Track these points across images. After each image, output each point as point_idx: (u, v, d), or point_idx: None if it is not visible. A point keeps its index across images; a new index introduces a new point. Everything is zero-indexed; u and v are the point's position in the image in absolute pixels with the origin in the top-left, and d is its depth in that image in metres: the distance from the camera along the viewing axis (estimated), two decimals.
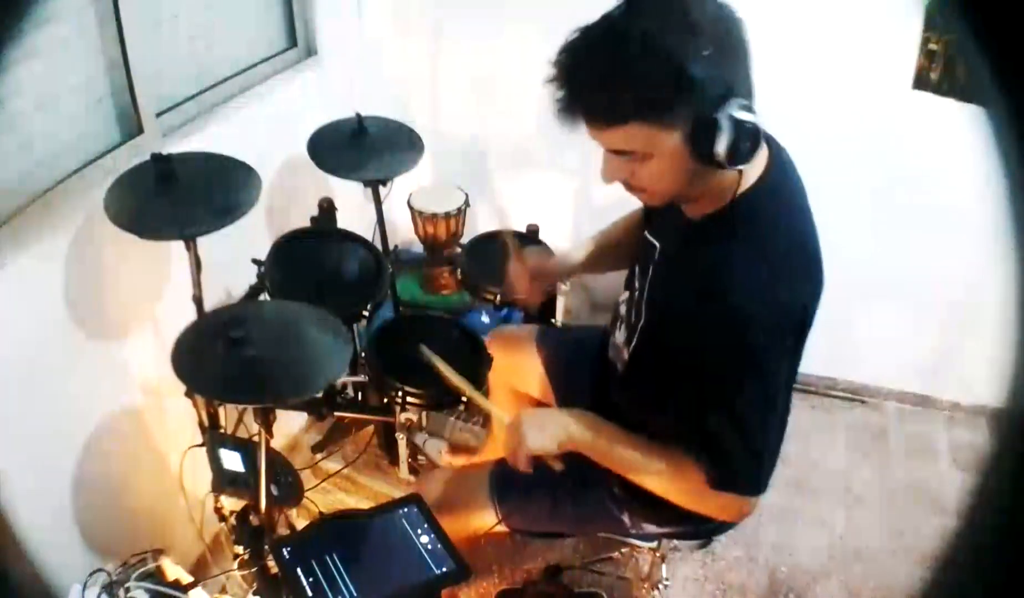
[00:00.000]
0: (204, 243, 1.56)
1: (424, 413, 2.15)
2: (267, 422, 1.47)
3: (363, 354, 1.86)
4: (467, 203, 2.42)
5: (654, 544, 1.57)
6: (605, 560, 1.97)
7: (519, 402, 1.76)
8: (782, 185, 1.15)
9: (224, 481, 1.63)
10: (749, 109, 1.01)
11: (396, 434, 1.80)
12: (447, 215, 2.39)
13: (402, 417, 1.73)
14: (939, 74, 2.09)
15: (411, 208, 2.43)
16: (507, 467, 1.53)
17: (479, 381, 1.73)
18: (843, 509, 2.30)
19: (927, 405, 2.64)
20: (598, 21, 1.01)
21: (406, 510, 1.29)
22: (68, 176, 1.56)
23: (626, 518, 1.41)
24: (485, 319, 2.37)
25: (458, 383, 1.49)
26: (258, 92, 2.08)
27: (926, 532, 2.22)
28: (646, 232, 1.32)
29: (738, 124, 0.99)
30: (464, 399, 1.57)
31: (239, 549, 1.62)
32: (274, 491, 1.56)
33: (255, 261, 1.83)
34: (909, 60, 2.11)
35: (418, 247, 2.63)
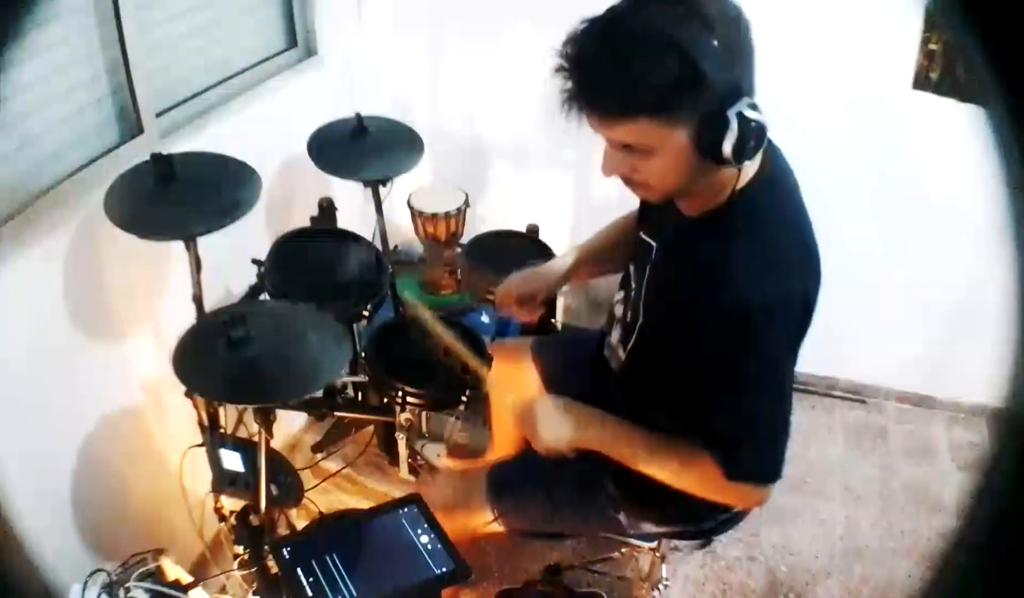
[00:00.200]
0: (204, 243, 1.56)
1: (424, 416, 2.16)
2: (267, 422, 1.47)
3: (363, 354, 1.86)
4: (467, 203, 2.42)
5: (654, 544, 1.57)
6: (605, 560, 1.97)
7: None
8: (777, 180, 1.16)
9: (224, 481, 1.63)
10: (755, 107, 1.01)
11: (396, 434, 1.80)
12: (447, 215, 2.38)
13: (402, 417, 1.73)
14: (939, 74, 2.09)
15: (411, 208, 2.43)
16: (505, 468, 1.53)
17: (479, 382, 1.73)
18: (843, 509, 2.30)
19: (927, 405, 2.64)
20: (606, 13, 1.00)
21: (406, 510, 1.29)
22: (68, 176, 1.56)
23: (623, 517, 1.42)
24: (485, 319, 2.37)
25: (452, 343, 1.46)
26: (258, 92, 2.08)
27: (926, 532, 2.22)
28: (641, 232, 1.32)
29: (746, 122, 0.98)
30: (464, 395, 1.57)
31: (239, 549, 1.62)
32: (274, 491, 1.57)
33: (255, 261, 1.83)
34: (909, 60, 2.10)
35: (418, 247, 2.63)
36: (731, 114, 0.98)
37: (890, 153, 2.21)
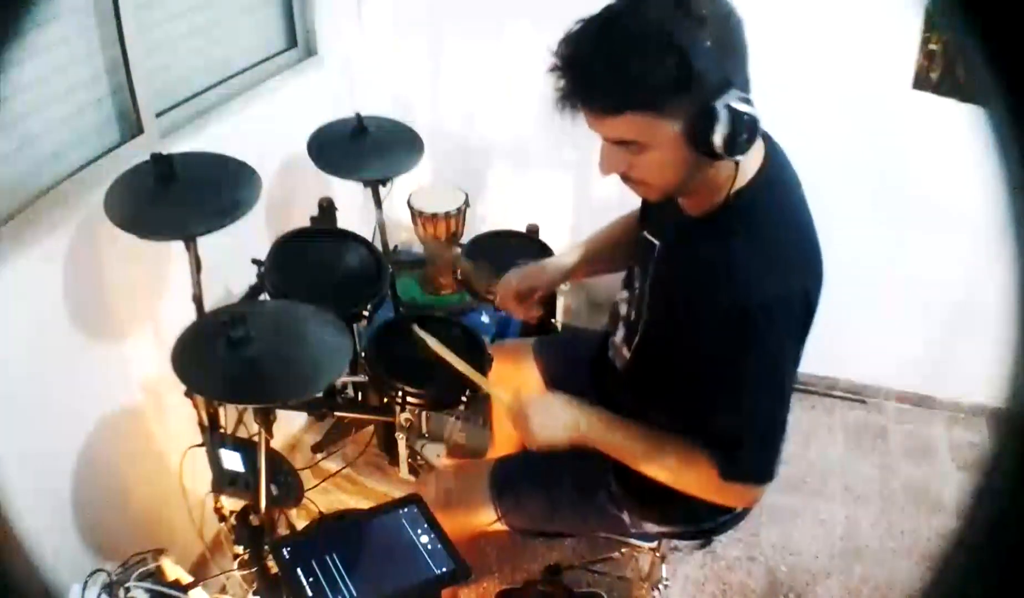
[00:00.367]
0: (204, 243, 1.56)
1: (424, 416, 2.15)
2: (267, 422, 1.47)
3: (363, 354, 1.86)
4: (467, 203, 2.41)
5: (654, 544, 1.57)
6: (605, 560, 1.97)
7: None
8: (779, 179, 1.16)
9: (224, 481, 1.63)
10: (747, 101, 1.01)
11: (396, 434, 1.80)
12: (447, 215, 2.38)
13: (402, 417, 1.73)
14: (939, 74, 2.09)
15: (411, 208, 2.43)
16: (507, 465, 1.53)
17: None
18: (843, 509, 2.30)
19: (927, 405, 2.64)
20: (599, 12, 1.02)
21: (406, 510, 1.29)
22: (68, 176, 1.56)
23: (625, 517, 1.42)
24: (485, 319, 2.37)
25: (455, 363, 1.46)
26: (258, 92, 2.08)
27: (926, 532, 2.22)
28: (644, 232, 1.32)
29: (736, 115, 0.99)
30: (464, 395, 1.57)
31: (239, 549, 1.62)
32: (274, 491, 1.56)
33: (255, 261, 1.83)
34: (909, 60, 2.10)
35: (418, 247, 2.63)
36: (719, 106, 0.98)
37: (890, 153, 2.21)
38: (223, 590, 1.73)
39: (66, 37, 1.54)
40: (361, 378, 1.88)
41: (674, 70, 0.96)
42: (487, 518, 1.43)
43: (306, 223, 2.11)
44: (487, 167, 2.72)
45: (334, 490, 2.15)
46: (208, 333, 1.39)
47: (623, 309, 1.38)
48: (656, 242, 1.27)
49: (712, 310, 1.09)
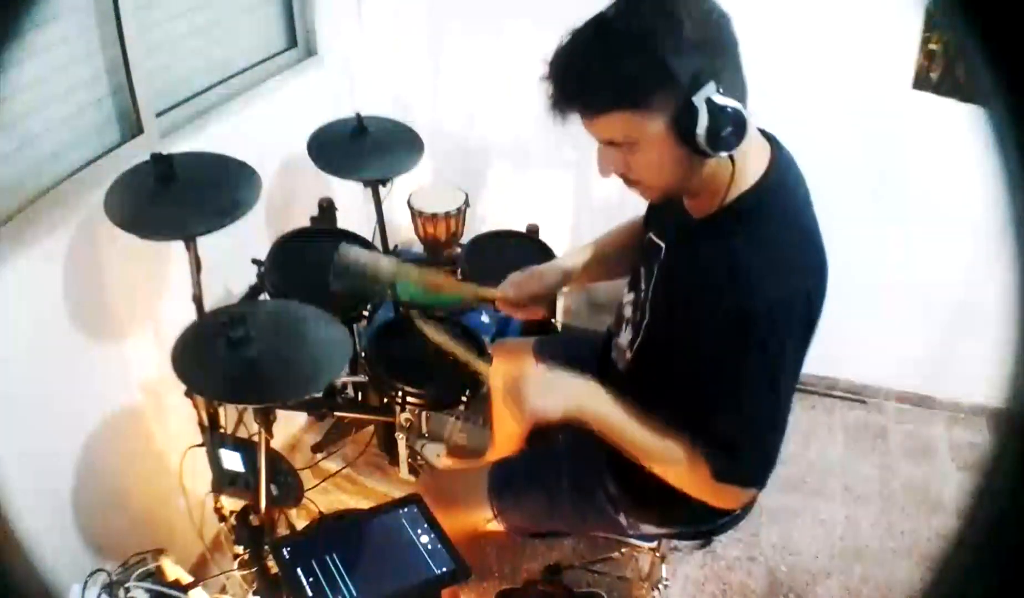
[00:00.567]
0: (204, 243, 1.56)
1: (424, 416, 2.15)
2: (267, 422, 1.47)
3: (363, 354, 1.86)
4: (467, 203, 2.41)
5: (654, 544, 1.57)
6: (605, 560, 1.97)
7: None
8: (783, 183, 1.15)
9: (224, 481, 1.63)
10: (732, 95, 1.01)
11: (396, 434, 1.80)
12: (447, 215, 2.38)
13: (402, 417, 1.73)
14: (939, 74, 2.09)
15: (411, 208, 2.43)
16: (506, 465, 1.53)
17: (479, 382, 1.73)
18: (843, 509, 2.30)
19: (927, 405, 2.64)
20: (588, 20, 1.05)
21: (406, 510, 1.29)
22: (68, 176, 1.56)
23: (623, 518, 1.41)
24: (485, 319, 2.36)
25: (455, 350, 1.42)
26: (258, 92, 2.08)
27: (926, 532, 2.22)
28: (650, 234, 1.32)
29: (717, 108, 1.00)
30: (464, 395, 1.57)
31: (239, 549, 1.62)
32: (274, 491, 1.57)
33: (255, 261, 1.84)
34: (909, 60, 2.10)
35: (418, 247, 2.63)
36: (698, 100, 0.99)
37: (890, 153, 2.21)
38: (223, 590, 1.73)
39: (66, 37, 1.54)
40: (361, 378, 1.88)
41: (647, 67, 0.99)
42: (486, 517, 1.43)
43: (306, 223, 2.11)
44: (487, 167, 2.72)
45: (334, 490, 2.15)
46: (208, 333, 1.39)
47: (628, 311, 1.38)
48: (661, 244, 1.28)
49: (713, 311, 1.09)
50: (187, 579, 1.57)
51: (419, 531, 1.26)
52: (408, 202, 2.44)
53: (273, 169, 2.08)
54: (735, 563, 2.13)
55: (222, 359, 1.34)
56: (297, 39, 2.30)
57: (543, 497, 1.44)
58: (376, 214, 2.07)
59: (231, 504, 1.70)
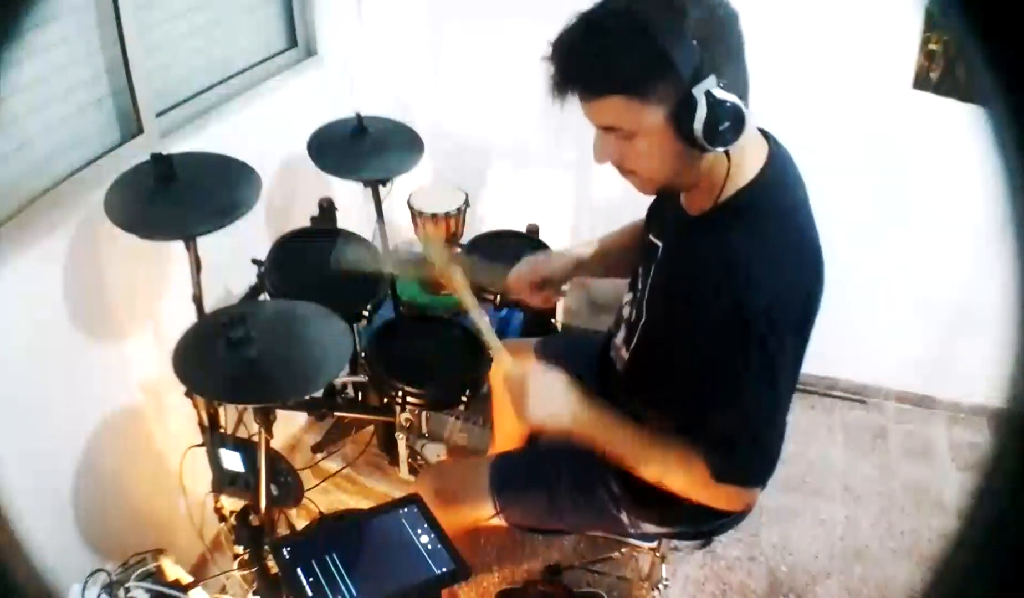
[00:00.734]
0: (204, 243, 1.56)
1: (424, 416, 2.15)
2: (267, 422, 1.47)
3: (363, 354, 1.86)
4: (467, 203, 2.41)
5: (654, 544, 1.57)
6: (605, 560, 1.97)
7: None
8: (780, 180, 1.15)
9: (224, 481, 1.63)
10: (738, 92, 1.01)
11: (396, 434, 1.80)
12: (447, 215, 2.38)
13: (402, 417, 1.73)
14: (939, 74, 2.09)
15: (411, 208, 2.43)
16: (507, 461, 1.53)
17: (479, 382, 1.73)
18: (843, 509, 2.30)
19: (927, 405, 2.64)
20: (595, 4, 1.05)
21: (406, 510, 1.29)
22: (68, 176, 1.56)
23: (624, 517, 1.42)
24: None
25: (477, 316, 1.35)
26: (258, 92, 2.08)
27: (926, 532, 2.22)
28: (649, 234, 1.32)
29: (716, 102, 1.00)
30: (464, 395, 1.55)
31: (239, 549, 1.62)
32: (274, 491, 1.57)
33: (255, 261, 1.84)
34: (909, 60, 2.11)
35: (418, 247, 2.63)
36: (697, 92, 0.99)
37: (890, 153, 2.22)
38: (223, 590, 1.73)
39: (66, 37, 1.54)
40: (361, 378, 1.88)
41: (650, 55, 0.99)
42: (486, 513, 1.43)
43: (306, 223, 2.11)
44: (487, 167, 2.72)
45: (334, 490, 2.15)
46: (208, 333, 1.39)
47: (626, 311, 1.38)
48: (658, 243, 1.28)
49: (710, 307, 1.09)
50: (187, 579, 1.57)
51: (419, 531, 1.25)
52: (408, 202, 2.44)
53: (273, 169, 2.08)
54: (735, 563, 2.13)
55: (222, 359, 1.34)
56: (297, 39, 2.30)
57: (544, 494, 1.44)
58: (376, 214, 2.07)
59: (231, 504, 1.70)
